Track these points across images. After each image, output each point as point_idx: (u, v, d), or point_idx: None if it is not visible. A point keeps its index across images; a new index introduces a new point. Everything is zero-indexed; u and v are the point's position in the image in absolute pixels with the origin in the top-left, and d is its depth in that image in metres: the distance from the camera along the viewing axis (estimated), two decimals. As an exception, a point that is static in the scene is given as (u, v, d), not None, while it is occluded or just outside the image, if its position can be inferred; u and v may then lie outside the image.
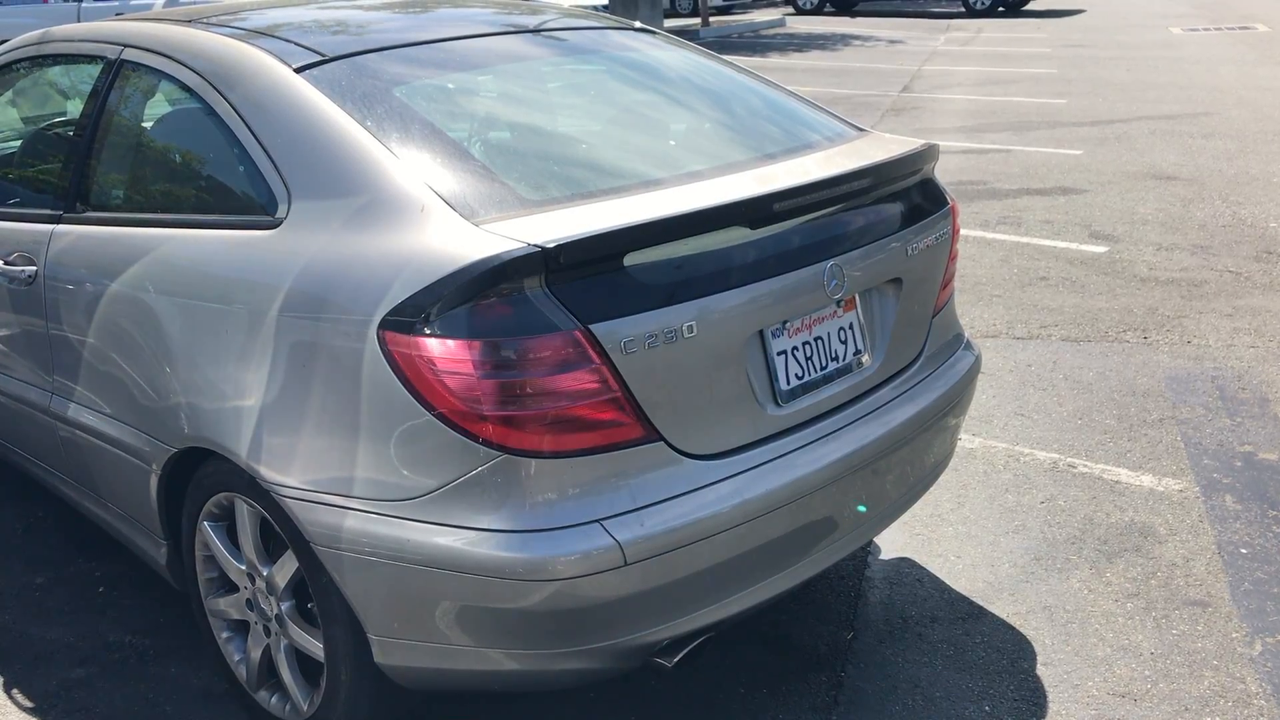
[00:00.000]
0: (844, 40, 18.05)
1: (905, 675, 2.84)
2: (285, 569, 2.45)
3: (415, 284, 2.08)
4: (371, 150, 2.31)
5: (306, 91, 2.45)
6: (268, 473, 2.31)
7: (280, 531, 2.39)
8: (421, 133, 2.40)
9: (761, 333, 2.34)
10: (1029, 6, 22.48)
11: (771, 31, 20.39)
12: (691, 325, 2.18)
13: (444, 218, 2.17)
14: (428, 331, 2.06)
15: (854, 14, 23.08)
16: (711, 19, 21.73)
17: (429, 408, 2.08)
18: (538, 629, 2.13)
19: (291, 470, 2.27)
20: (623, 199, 2.30)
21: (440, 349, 2.06)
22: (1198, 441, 4.01)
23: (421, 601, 2.17)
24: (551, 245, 2.05)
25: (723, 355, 2.25)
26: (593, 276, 2.11)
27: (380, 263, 2.16)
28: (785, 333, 2.39)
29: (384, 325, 2.10)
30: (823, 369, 2.47)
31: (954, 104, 11.54)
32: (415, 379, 2.08)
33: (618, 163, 2.58)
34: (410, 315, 2.07)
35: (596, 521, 2.10)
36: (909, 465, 2.66)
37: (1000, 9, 21.91)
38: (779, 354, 2.38)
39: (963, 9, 22.24)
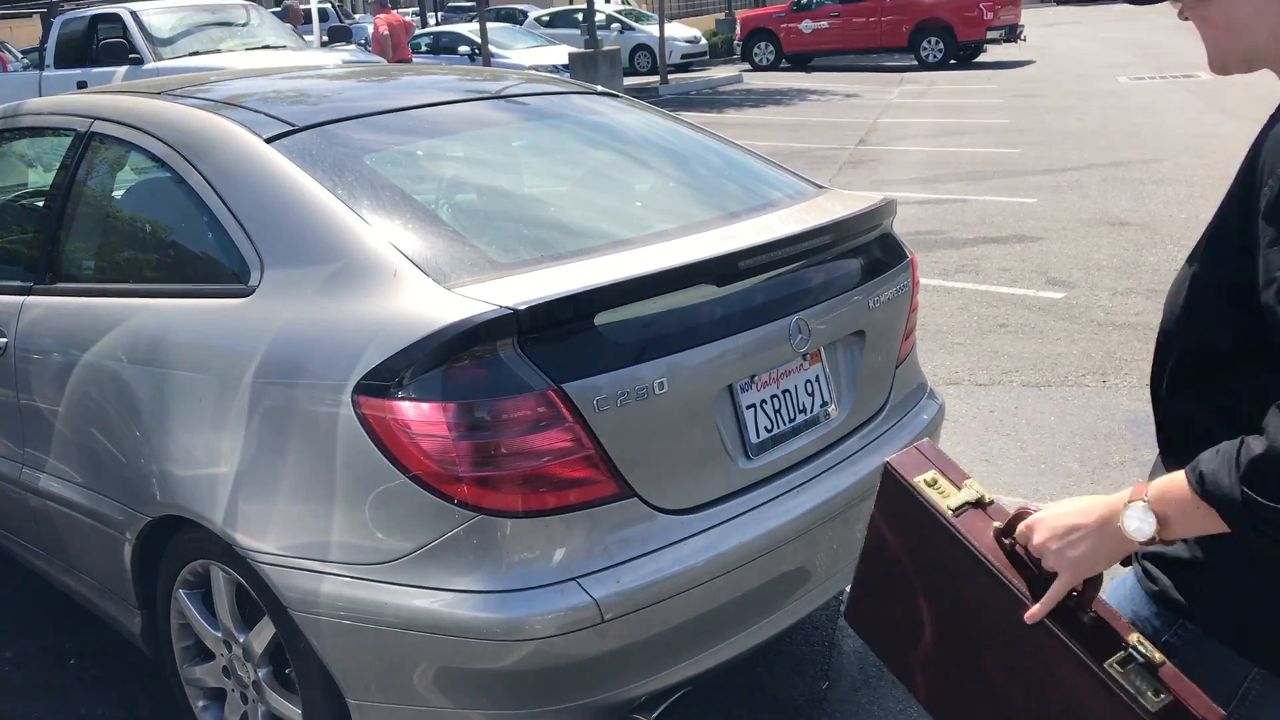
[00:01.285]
0: (800, 95, 18.34)
1: (881, 723, 2.87)
2: (262, 635, 2.45)
3: (389, 348, 2.11)
4: (343, 217, 2.35)
5: (278, 161, 2.50)
6: (244, 539, 2.31)
7: (257, 597, 2.39)
8: (392, 199, 2.45)
9: (731, 387, 2.38)
10: (980, 59, 22.97)
11: (729, 88, 20.69)
12: (662, 382, 2.23)
13: (416, 282, 2.20)
14: (402, 395, 2.09)
15: (809, 69, 23.47)
16: (670, 76, 22.03)
17: (404, 470, 2.11)
18: (517, 689, 2.14)
19: (268, 536, 2.28)
20: (591, 260, 2.34)
21: (415, 412, 2.09)
22: (1159, 483, 4.07)
23: (400, 664, 2.18)
24: (523, 307, 2.09)
25: (694, 410, 2.30)
26: (564, 337, 2.16)
27: (354, 328, 2.19)
28: (754, 386, 2.44)
29: (359, 390, 2.13)
30: (791, 421, 2.52)
31: (910, 155, 11.75)
32: (390, 442, 2.11)
33: (585, 224, 2.64)
34: (385, 379, 2.10)
35: (573, 579, 2.12)
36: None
37: (952, 62, 22.36)
38: (748, 407, 2.42)
39: (915, 62, 22.69)
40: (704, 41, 26.15)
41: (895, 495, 1.61)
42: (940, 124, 14.10)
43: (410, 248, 2.29)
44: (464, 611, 2.09)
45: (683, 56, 24.73)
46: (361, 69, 4.34)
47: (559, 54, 19.38)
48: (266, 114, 2.71)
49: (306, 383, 2.21)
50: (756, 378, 2.44)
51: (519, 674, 2.11)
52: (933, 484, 1.58)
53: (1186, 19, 1.41)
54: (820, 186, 3.09)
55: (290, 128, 2.62)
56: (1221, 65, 1.39)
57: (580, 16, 25.49)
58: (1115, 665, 1.36)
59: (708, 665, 2.32)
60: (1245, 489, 1.17)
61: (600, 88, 3.59)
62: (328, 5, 23.26)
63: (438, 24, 32.27)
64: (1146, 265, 7.04)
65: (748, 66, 24.37)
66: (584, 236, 2.54)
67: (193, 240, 2.63)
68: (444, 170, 2.75)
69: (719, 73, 23.39)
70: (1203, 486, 1.23)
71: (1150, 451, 4.32)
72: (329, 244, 2.33)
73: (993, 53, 22.66)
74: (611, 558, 2.16)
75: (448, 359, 2.08)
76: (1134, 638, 1.39)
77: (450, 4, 46.28)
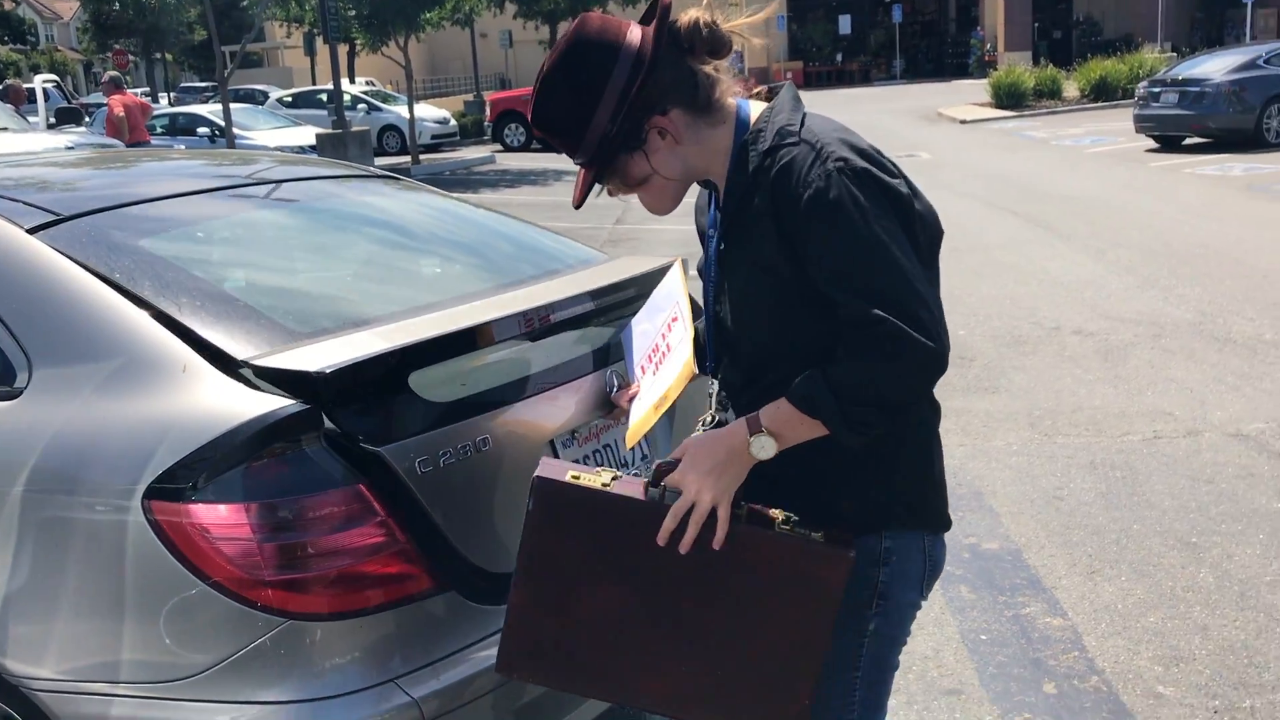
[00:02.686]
0: (556, 175, 18.63)
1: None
2: (38, 773, 2.22)
3: (182, 448, 1.99)
4: (122, 310, 2.20)
5: (44, 252, 2.31)
6: (16, 666, 2.10)
7: (31, 731, 2.17)
8: (174, 289, 2.31)
9: (553, 443, 2.38)
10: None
11: (483, 168, 20.83)
12: (485, 439, 2.20)
13: (208, 376, 2.08)
14: (198, 497, 1.97)
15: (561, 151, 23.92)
16: (421, 157, 21.97)
17: (203, 577, 1.97)
18: (337, 802, 2.02)
19: (45, 660, 2.08)
20: (393, 324, 2.28)
21: (214, 514, 1.96)
22: (929, 538, 4.30)
23: (205, 788, 2.02)
24: (329, 370, 2.00)
25: (518, 468, 2.26)
26: (377, 400, 2.09)
27: (142, 428, 2.04)
28: (575, 442, 2.45)
29: (149, 494, 1.98)
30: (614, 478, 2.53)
31: (666, 234, 12.09)
32: (187, 548, 1.97)
33: (384, 294, 2.60)
34: (179, 481, 1.97)
35: (391, 681, 2.03)
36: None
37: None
38: (572, 463, 2.41)
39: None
40: (454, 122, 26.27)
41: (550, 500, 1.85)
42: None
43: (199, 339, 2.16)
44: (275, 724, 1.97)
45: (433, 137, 24.77)
46: (118, 154, 4.13)
47: (305, 135, 19.03)
48: (25, 203, 2.51)
49: (88, 489, 2.04)
50: (578, 433, 2.45)
51: (338, 787, 1.99)
52: (578, 477, 1.85)
53: (615, 194, 2.00)
54: (606, 255, 3.14)
55: (55, 217, 2.44)
56: (666, 210, 1.99)
57: (325, 97, 25.16)
58: (781, 525, 1.80)
59: (532, 758, 2.27)
60: (841, 401, 1.71)
61: (376, 169, 3.55)
62: (51, 85, 22.03)
63: (171, 105, 31.12)
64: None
65: (499, 147, 24.63)
66: (384, 304, 2.49)
67: (-56, 341, 2.40)
68: (227, 256, 2.63)
69: (471, 153, 23.53)
70: (810, 407, 1.73)
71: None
72: (108, 339, 2.17)
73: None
74: (430, 654, 2.08)
75: (248, 457, 1.98)
76: (778, 514, 1.82)
77: (183, 85, 44.57)
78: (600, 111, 1.84)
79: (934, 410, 1.97)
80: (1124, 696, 3.21)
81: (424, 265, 2.91)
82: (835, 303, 1.74)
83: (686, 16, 1.85)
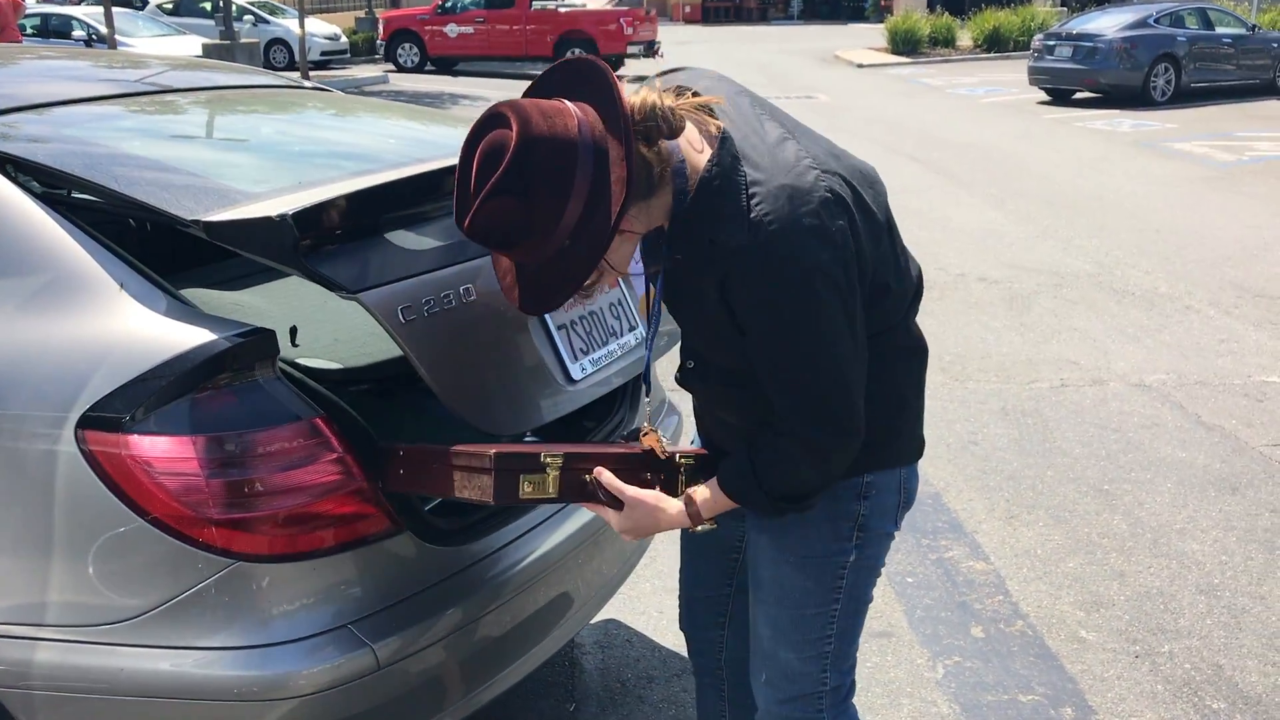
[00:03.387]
0: (451, 99, 18.16)
1: (634, 742, 2.83)
2: (-49, 721, 2.06)
3: (122, 375, 1.82)
4: (47, 222, 1.99)
5: (-48, 157, 2.10)
6: (-72, 607, 1.93)
7: (-56, 677, 2.00)
8: (107, 164, 2.11)
9: None
10: (620, 71, 23.72)
11: (376, 88, 20.18)
12: (468, 288, 2.08)
13: (149, 296, 1.91)
14: (139, 428, 1.81)
15: (455, 74, 23.34)
16: (311, 74, 21.17)
17: (142, 513, 1.82)
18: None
19: (-39, 601, 1.91)
20: (351, 180, 2.13)
21: (157, 447, 1.81)
22: (850, 480, 4.31)
23: (140, 739, 1.90)
24: (292, 213, 1.85)
25: (505, 322, 2.19)
26: (348, 247, 1.97)
27: (74, 352, 1.87)
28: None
29: (84, 423, 1.82)
30: (604, 344, 2.47)
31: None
32: (125, 482, 1.82)
33: (333, 164, 2.47)
34: (118, 410, 1.81)
35: (345, 626, 1.92)
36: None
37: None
38: (559, 328, 2.33)
39: (559, 71, 23.07)
40: (345, 39, 25.40)
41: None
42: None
43: (138, 253, 1.99)
44: (220, 671, 1.85)
45: (323, 54, 23.91)
46: (11, 52, 3.82)
47: (191, 44, 18.18)
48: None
49: (11, 417, 1.86)
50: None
51: (288, 737, 1.88)
52: (529, 491, 1.82)
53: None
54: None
55: (-38, 117, 2.22)
56: (624, 273, 1.83)
57: (209, 6, 24.08)
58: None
59: (491, 695, 2.20)
60: (772, 498, 1.83)
61: (308, 81, 3.36)
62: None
63: (38, 3, 29.35)
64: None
65: (392, 67, 23.90)
66: (335, 170, 2.32)
67: None
68: (159, 145, 2.41)
69: (362, 72, 22.80)
70: (743, 500, 1.86)
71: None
72: (31, 253, 1.97)
73: (632, 66, 23.43)
74: (386, 598, 1.98)
75: (195, 386, 1.82)
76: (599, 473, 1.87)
77: (51, -17, 42.11)
78: (565, 219, 1.63)
79: (911, 350, 1.98)
80: (1049, 641, 3.27)
81: (366, 142, 2.81)
82: (769, 390, 1.78)
83: (639, 101, 1.67)
